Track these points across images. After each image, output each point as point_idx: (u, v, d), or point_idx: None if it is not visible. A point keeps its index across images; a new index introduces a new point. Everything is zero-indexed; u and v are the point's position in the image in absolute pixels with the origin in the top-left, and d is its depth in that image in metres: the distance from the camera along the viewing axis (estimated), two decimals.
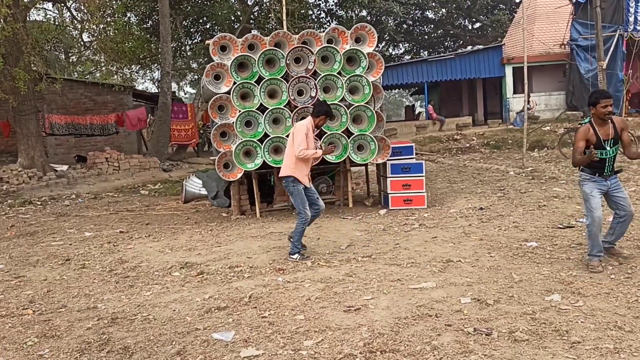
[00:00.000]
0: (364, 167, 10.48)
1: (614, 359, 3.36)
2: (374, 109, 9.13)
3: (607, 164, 5.16)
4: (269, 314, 4.49)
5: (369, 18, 31.37)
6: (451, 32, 37.24)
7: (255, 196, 9.21)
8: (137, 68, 26.22)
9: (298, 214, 6.33)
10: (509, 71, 23.79)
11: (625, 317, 3.95)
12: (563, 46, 22.60)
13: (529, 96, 17.88)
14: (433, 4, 32.61)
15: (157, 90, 27.36)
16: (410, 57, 36.63)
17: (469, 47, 32.22)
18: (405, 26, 36.44)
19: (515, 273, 5.14)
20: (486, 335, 3.79)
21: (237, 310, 4.66)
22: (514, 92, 23.80)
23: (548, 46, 22.78)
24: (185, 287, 5.45)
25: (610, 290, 4.52)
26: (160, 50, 19.82)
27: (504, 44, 24.71)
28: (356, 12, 25.68)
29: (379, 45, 33.75)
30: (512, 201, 8.85)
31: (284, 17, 10.76)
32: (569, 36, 22.26)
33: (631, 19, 20.18)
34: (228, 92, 8.89)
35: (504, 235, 6.73)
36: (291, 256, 6.21)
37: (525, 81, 13.52)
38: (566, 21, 22.44)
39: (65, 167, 16.55)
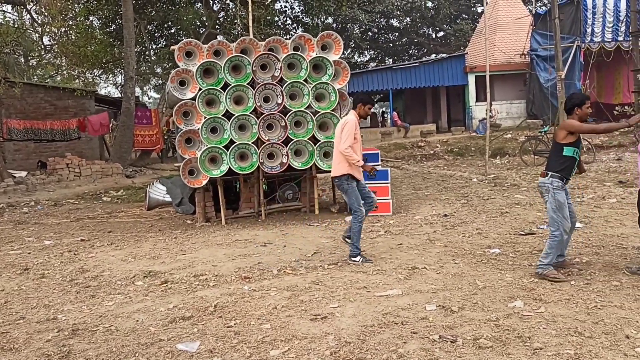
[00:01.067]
0: (330, 174, 10.49)
1: None
2: (340, 115, 9.18)
3: (575, 165, 5.24)
4: (234, 324, 4.44)
5: (334, 25, 31.58)
6: (415, 40, 37.81)
7: (221, 203, 9.13)
8: (100, 72, 25.73)
9: (353, 212, 6.20)
10: (471, 79, 24.27)
11: (585, 323, 4.05)
12: (523, 56, 23.20)
13: (490, 104, 18.26)
14: (398, 12, 33.04)
15: (120, 95, 26.87)
16: (375, 64, 37.01)
17: (433, 56, 32.76)
18: (370, 34, 36.84)
19: (479, 280, 5.22)
20: (451, 342, 3.83)
21: (202, 320, 4.60)
22: (477, 100, 24.30)
23: (509, 56, 23.36)
24: (149, 296, 5.35)
25: (570, 296, 4.63)
26: (123, 54, 19.49)
27: (467, 53, 25.21)
28: (322, 19, 25.79)
29: (345, 52, 33.99)
30: (475, 208, 9.00)
31: (250, 24, 10.73)
32: (529, 46, 22.86)
33: (588, 30, 20.86)
34: (193, 99, 8.81)
35: (468, 241, 6.84)
36: (352, 259, 6.10)
37: (488, 89, 13.80)
38: (526, 32, 23.05)
39: (24, 174, 16.08)
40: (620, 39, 20.89)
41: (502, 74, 23.46)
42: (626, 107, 19.92)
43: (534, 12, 24.35)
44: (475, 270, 5.57)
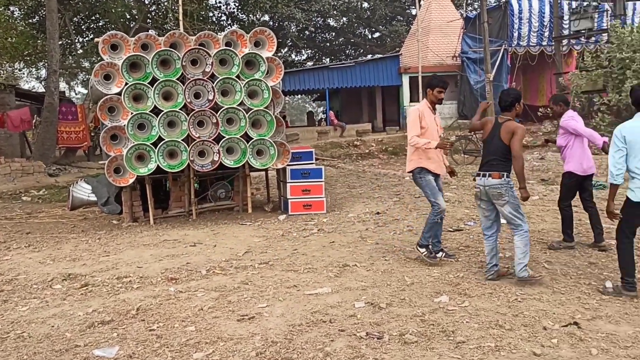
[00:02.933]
0: (264, 172, 10.40)
1: (495, 357, 3.51)
2: (273, 113, 9.08)
3: None
4: (157, 327, 4.28)
5: (271, 23, 31.42)
6: (352, 40, 38.17)
7: (149, 202, 8.82)
8: (21, 65, 24.44)
9: (431, 206, 5.74)
10: (405, 80, 24.71)
11: (506, 316, 4.15)
12: (455, 58, 23.87)
13: None
14: (334, 12, 33.24)
15: (44, 90, 25.62)
16: (312, 63, 37.10)
17: (369, 56, 33.14)
18: (307, 33, 36.88)
19: (408, 276, 5.27)
20: (378, 339, 3.84)
21: (123, 323, 4.41)
22: (411, 101, 24.73)
23: (441, 58, 23.96)
24: (67, 300, 5.09)
25: (493, 290, 4.75)
26: (47, 47, 18.57)
27: (401, 54, 25.65)
28: (258, 16, 25.56)
29: (282, 50, 33.88)
30: (407, 205, 9.13)
31: (181, 17, 10.44)
32: (460, 49, 23.54)
33: (515, 34, 21.72)
34: (119, 93, 8.47)
35: (399, 239, 6.92)
36: (419, 248, 5.74)
37: (420, 90, 14.10)
38: (457, 35, 23.72)
39: None
40: (544, 43, 21.87)
41: (434, 75, 23.98)
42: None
43: (464, 15, 25.08)
44: (404, 267, 5.63)
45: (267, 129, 9.00)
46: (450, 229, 7.21)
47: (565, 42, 20.88)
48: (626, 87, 15.40)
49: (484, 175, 5.04)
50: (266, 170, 9.85)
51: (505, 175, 4.95)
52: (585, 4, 19.33)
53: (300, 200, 9.03)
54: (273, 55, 9.40)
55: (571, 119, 6.06)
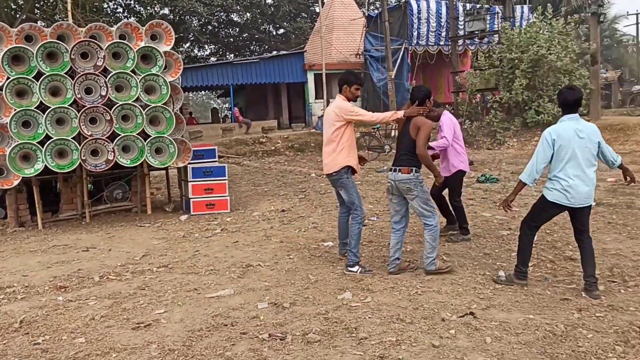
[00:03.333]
0: (164, 171, 10.00)
1: (396, 351, 3.53)
2: (172, 110, 8.73)
3: None
4: (43, 340, 3.97)
5: (171, 17, 30.38)
6: (256, 36, 37.84)
7: (37, 205, 8.19)
8: None
9: (353, 212, 5.34)
10: (310, 77, 24.80)
11: (407, 310, 4.21)
12: (358, 56, 24.30)
13: (328, 102, 18.81)
14: (237, 7, 32.76)
15: None
16: (216, 59, 36.41)
17: (274, 52, 33.00)
18: (210, 27, 36.11)
19: (312, 274, 5.24)
20: (280, 340, 3.76)
21: (4, 338, 4.05)
22: (316, 97, 24.90)
23: (345, 55, 24.31)
24: None
25: (394, 284, 4.82)
26: None
27: (306, 50, 25.73)
28: (157, 9, 24.58)
29: (183, 45, 32.92)
30: (312, 202, 9.14)
31: (70, 7, 9.77)
32: (362, 47, 24.00)
33: (414, 34, 22.47)
34: (0, 89, 7.77)
35: (304, 236, 6.88)
36: (350, 269, 5.19)
37: (324, 87, 14.17)
38: (360, 33, 24.16)
39: None
40: (442, 43, 22.82)
41: (338, 72, 24.29)
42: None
43: (366, 14, 25.60)
44: (308, 265, 5.59)
45: (166, 126, 8.64)
46: None
47: (460, 42, 21.88)
48: (515, 86, 16.42)
49: (394, 170, 5.10)
50: (166, 169, 9.48)
51: (414, 171, 4.99)
52: (478, 6, 20.38)
53: (202, 200, 8.77)
54: (171, 49, 9.04)
55: (443, 124, 6.20)
